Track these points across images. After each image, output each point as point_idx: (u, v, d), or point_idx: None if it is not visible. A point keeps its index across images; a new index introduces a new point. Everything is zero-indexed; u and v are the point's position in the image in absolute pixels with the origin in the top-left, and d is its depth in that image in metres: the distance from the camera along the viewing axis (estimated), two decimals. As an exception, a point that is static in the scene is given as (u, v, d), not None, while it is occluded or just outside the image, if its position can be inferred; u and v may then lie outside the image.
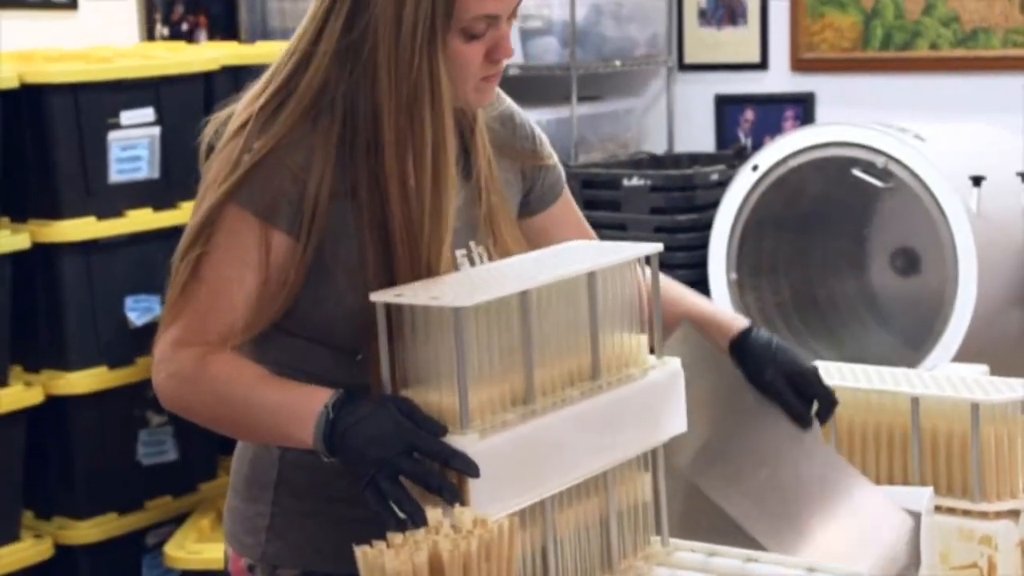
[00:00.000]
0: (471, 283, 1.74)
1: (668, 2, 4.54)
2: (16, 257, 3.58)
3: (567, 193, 2.13)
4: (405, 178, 1.83)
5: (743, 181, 3.82)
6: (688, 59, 4.56)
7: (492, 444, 1.66)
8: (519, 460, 1.68)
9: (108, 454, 3.77)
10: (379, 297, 1.73)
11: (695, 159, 4.33)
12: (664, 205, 3.97)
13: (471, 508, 1.60)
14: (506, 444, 1.67)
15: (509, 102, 2.10)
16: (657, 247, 1.82)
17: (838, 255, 4.01)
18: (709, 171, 4.04)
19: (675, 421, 1.85)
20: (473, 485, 1.63)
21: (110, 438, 3.77)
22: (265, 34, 4.68)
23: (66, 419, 3.71)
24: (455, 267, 1.91)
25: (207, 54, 3.91)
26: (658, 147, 4.59)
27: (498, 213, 1.98)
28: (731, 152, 4.29)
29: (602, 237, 3.95)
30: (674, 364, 1.87)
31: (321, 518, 1.93)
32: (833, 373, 2.12)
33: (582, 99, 4.38)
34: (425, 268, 1.85)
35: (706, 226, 3.89)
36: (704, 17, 4.52)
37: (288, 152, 1.84)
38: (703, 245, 3.88)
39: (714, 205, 3.89)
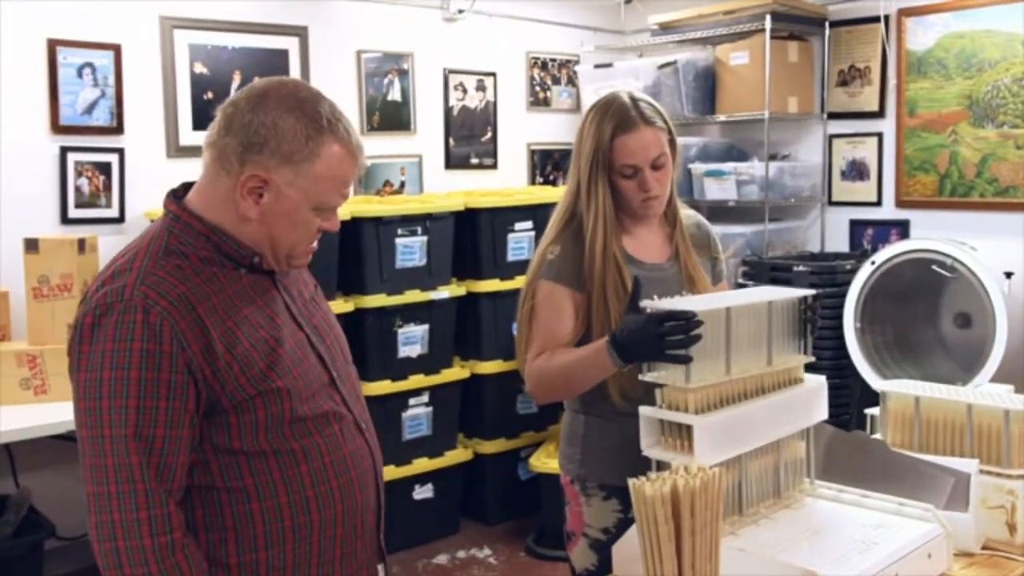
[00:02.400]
0: (698, 303, 1.60)
1: (823, 166, 4.47)
2: (459, 299, 3.66)
3: (725, 279, 2.02)
4: (594, 247, 1.81)
5: (864, 270, 3.75)
6: (834, 199, 4.48)
7: (709, 420, 1.53)
8: (725, 430, 1.55)
9: (504, 407, 3.86)
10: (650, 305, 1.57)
11: (837, 256, 4.23)
12: (818, 282, 3.87)
13: (696, 458, 1.49)
14: (718, 420, 1.54)
15: (707, 223, 2.02)
16: (813, 292, 1.71)
17: (922, 314, 3.87)
18: (844, 264, 3.94)
19: (819, 413, 1.74)
20: (697, 445, 1.49)
21: (503, 396, 3.85)
22: None
23: (481, 386, 3.83)
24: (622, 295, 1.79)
25: (560, 191, 3.90)
26: (815, 248, 4.52)
27: (697, 283, 1.91)
28: (859, 253, 4.20)
29: None
30: (818, 379, 1.73)
31: (609, 451, 1.86)
32: (921, 388, 1.97)
33: (771, 220, 4.36)
34: (601, 309, 1.76)
35: (843, 295, 3.78)
36: (844, 175, 4.44)
37: (572, 245, 1.82)
38: (840, 306, 3.78)
39: (847, 284, 3.79)
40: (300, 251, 1.44)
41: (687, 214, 2.00)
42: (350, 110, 4.04)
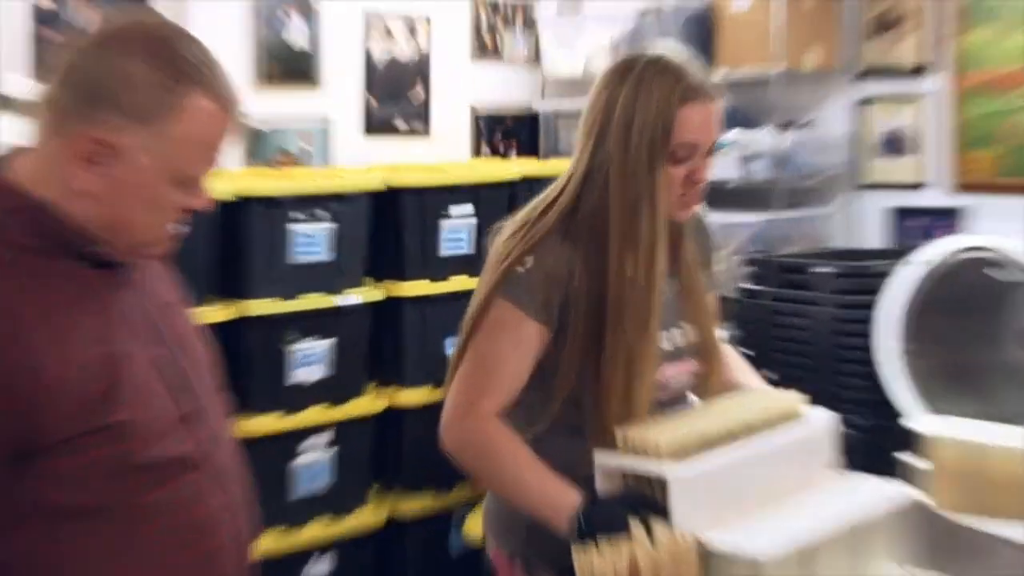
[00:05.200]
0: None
1: (850, 139, 4.52)
2: (375, 305, 3.77)
3: (713, 295, 2.02)
4: (623, 270, 1.75)
5: (907, 273, 3.73)
6: (865, 180, 4.53)
7: (691, 470, 1.56)
8: (712, 484, 1.58)
9: (432, 451, 3.90)
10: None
11: (868, 254, 4.24)
12: (844, 288, 3.87)
13: (675, 522, 1.50)
14: (702, 469, 1.59)
15: (706, 220, 2.03)
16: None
17: (981, 333, 3.82)
18: (878, 264, 3.92)
19: (828, 456, 1.82)
20: (675, 504, 1.51)
21: (430, 437, 3.89)
22: (556, 154, 4.83)
23: (403, 424, 3.82)
24: (658, 344, 1.79)
25: (512, 168, 4.10)
26: (841, 244, 4.55)
27: (698, 302, 1.91)
28: (896, 250, 4.12)
29: (795, 312, 3.96)
30: (822, 414, 1.83)
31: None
32: (979, 431, 1.98)
33: (785, 206, 4.41)
34: (625, 353, 1.74)
35: (875, 306, 3.75)
36: (879, 149, 4.47)
37: (555, 266, 1.76)
38: (872, 320, 3.76)
39: (882, 290, 3.76)
40: (156, 236, 1.44)
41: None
42: (237, 57, 4.04)
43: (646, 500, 1.57)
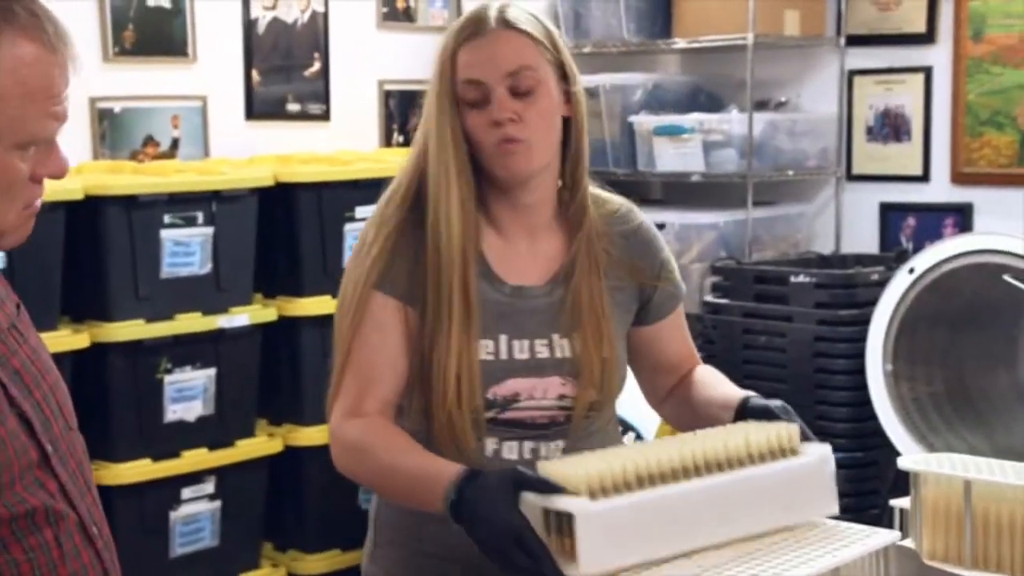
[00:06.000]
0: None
1: (839, 120, 4.63)
2: (266, 327, 3.77)
3: (677, 315, 2.12)
4: (438, 226, 1.91)
5: (900, 281, 3.81)
6: (856, 170, 4.63)
7: (605, 506, 1.63)
8: (634, 522, 1.64)
9: (334, 499, 3.83)
10: None
11: (859, 260, 4.32)
12: (827, 300, 3.96)
13: (580, 567, 1.58)
14: (619, 505, 1.64)
15: (646, 225, 2.10)
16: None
17: (990, 351, 3.93)
18: (870, 271, 4.02)
19: (819, 501, 1.83)
20: (582, 544, 1.59)
21: (336, 485, 3.90)
22: None
23: (303, 467, 3.85)
24: (532, 352, 1.94)
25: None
26: (825, 248, 4.65)
27: (587, 314, 1.98)
28: (893, 255, 4.28)
29: (769, 328, 4.10)
30: (821, 449, 1.86)
31: (406, 552, 2.00)
32: (976, 467, 1.98)
33: (757, 203, 4.46)
34: (444, 349, 1.89)
35: (865, 321, 3.86)
36: (871, 133, 4.57)
37: (402, 243, 1.94)
38: (862, 338, 3.86)
39: (873, 302, 3.87)
40: (10, 224, 1.45)
41: (615, 208, 2.08)
42: (81, 23, 3.94)
43: (532, 478, 1.66)
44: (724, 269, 4.27)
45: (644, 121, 4.61)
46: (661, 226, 4.49)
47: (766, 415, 1.89)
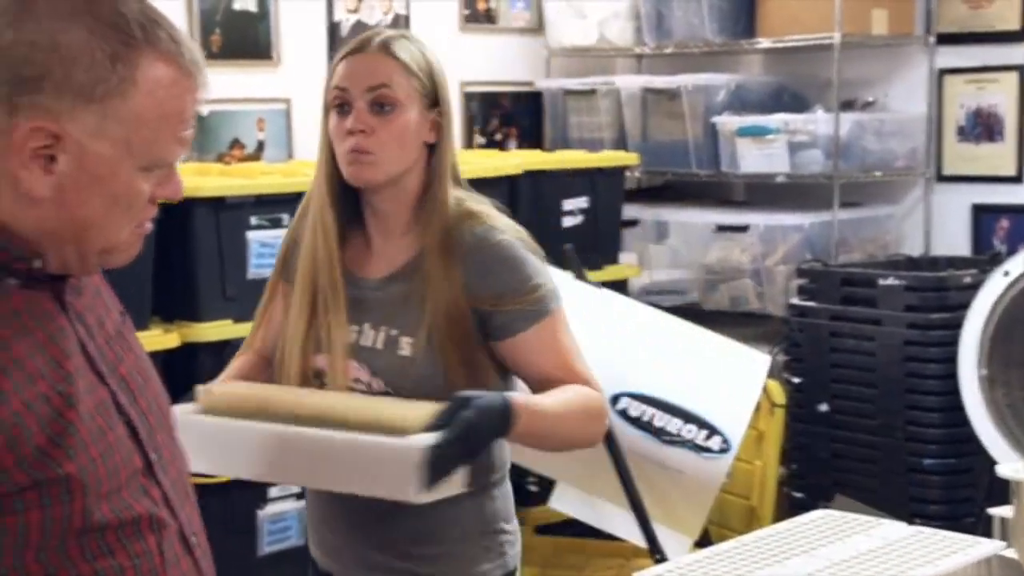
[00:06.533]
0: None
1: (928, 120, 4.60)
2: None
3: (533, 335, 2.12)
4: (306, 214, 2.20)
5: (995, 284, 3.79)
6: (946, 171, 4.60)
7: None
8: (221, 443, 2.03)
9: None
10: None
11: (950, 262, 4.29)
12: (918, 304, 3.94)
13: None
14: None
15: (496, 249, 2.13)
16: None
17: None
18: (962, 274, 4.00)
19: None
20: None
21: None
22: (565, 144, 4.84)
23: None
24: (345, 335, 2.15)
25: (512, 160, 4.11)
26: (914, 251, 4.62)
27: (403, 313, 2.12)
28: (986, 258, 4.25)
29: (857, 332, 4.04)
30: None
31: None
32: None
33: (844, 205, 4.46)
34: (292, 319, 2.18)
35: (957, 325, 3.83)
36: (962, 133, 4.55)
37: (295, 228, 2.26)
38: (953, 342, 3.84)
39: (965, 306, 3.84)
40: (122, 241, 1.47)
41: (477, 227, 2.15)
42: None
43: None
44: (810, 271, 4.25)
45: (727, 122, 4.61)
46: (744, 228, 4.54)
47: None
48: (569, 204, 4.11)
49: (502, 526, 2.23)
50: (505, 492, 2.25)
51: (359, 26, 4.55)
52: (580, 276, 3.56)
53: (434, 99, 2.15)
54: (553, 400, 2.08)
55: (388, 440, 1.90)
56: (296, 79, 4.43)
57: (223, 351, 3.53)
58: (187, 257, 3.61)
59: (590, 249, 4.05)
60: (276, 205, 3.69)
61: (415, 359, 2.10)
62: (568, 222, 4.14)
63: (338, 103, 2.12)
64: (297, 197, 3.60)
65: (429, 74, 2.16)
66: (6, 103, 1.36)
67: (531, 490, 3.56)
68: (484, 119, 4.92)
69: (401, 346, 2.12)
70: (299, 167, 4.05)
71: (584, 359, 2.17)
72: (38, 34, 1.36)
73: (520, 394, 2.10)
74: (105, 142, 1.39)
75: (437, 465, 1.87)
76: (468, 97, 4.87)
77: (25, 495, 1.36)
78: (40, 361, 1.40)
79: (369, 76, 2.11)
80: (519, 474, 3.51)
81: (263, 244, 3.68)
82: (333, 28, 4.52)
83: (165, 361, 3.40)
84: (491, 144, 4.92)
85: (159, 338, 3.48)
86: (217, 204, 3.59)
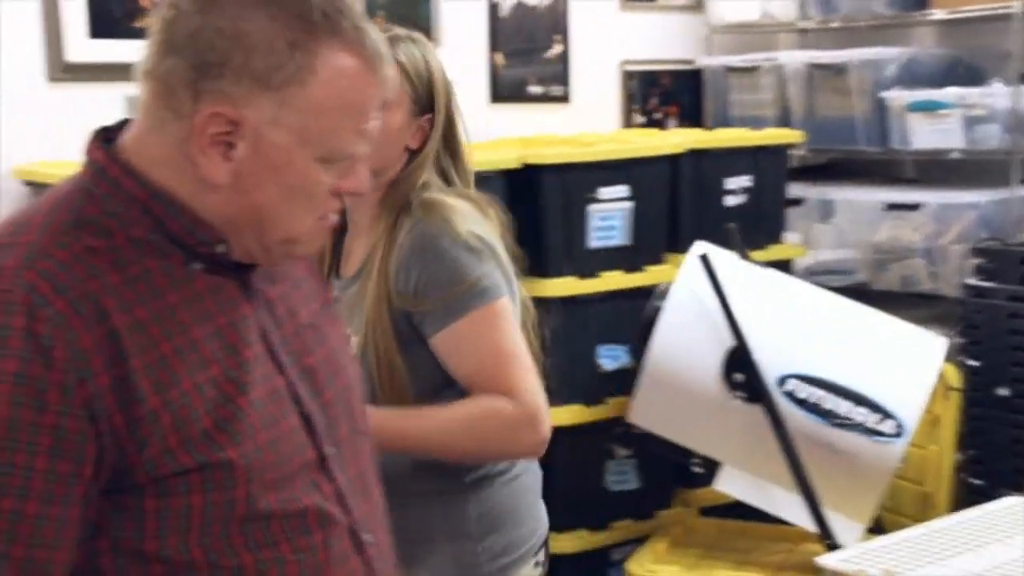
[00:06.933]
0: None
1: None
2: None
3: (445, 338, 2.08)
4: None
5: None
6: None
7: None
8: None
9: (581, 479, 3.88)
10: None
11: None
12: None
13: None
14: None
15: (420, 245, 2.09)
16: None
17: None
18: None
19: None
20: None
21: (584, 465, 3.90)
22: (726, 122, 4.86)
23: (549, 448, 3.96)
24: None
25: (673, 139, 4.07)
26: None
27: (366, 315, 2.11)
28: None
29: None
30: None
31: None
32: None
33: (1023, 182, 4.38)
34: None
35: None
36: None
37: None
38: None
39: None
40: (306, 231, 1.48)
41: (422, 222, 2.12)
42: None
43: None
44: (988, 251, 4.15)
45: (897, 97, 4.55)
46: (916, 206, 4.44)
47: None
48: (731, 183, 4.06)
49: (478, 537, 2.18)
50: (491, 501, 2.21)
51: (519, 7, 4.63)
52: (743, 256, 3.53)
53: (425, 106, 2.18)
54: (426, 420, 2.07)
55: None
56: (457, 60, 4.30)
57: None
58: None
59: (753, 229, 4.00)
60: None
61: (358, 360, 2.04)
62: (731, 201, 4.09)
63: None
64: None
65: (426, 80, 2.18)
66: (191, 88, 1.38)
67: (696, 471, 3.52)
68: (643, 98, 4.97)
69: (353, 346, 2.07)
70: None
71: (522, 364, 2.09)
72: (223, 20, 1.38)
73: (385, 411, 2.04)
74: (282, 130, 1.40)
75: None
76: (628, 76, 4.92)
77: (189, 477, 1.37)
78: (216, 346, 1.42)
79: None
80: (683, 454, 3.47)
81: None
82: (493, 9, 4.60)
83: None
84: (651, 123, 4.96)
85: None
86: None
